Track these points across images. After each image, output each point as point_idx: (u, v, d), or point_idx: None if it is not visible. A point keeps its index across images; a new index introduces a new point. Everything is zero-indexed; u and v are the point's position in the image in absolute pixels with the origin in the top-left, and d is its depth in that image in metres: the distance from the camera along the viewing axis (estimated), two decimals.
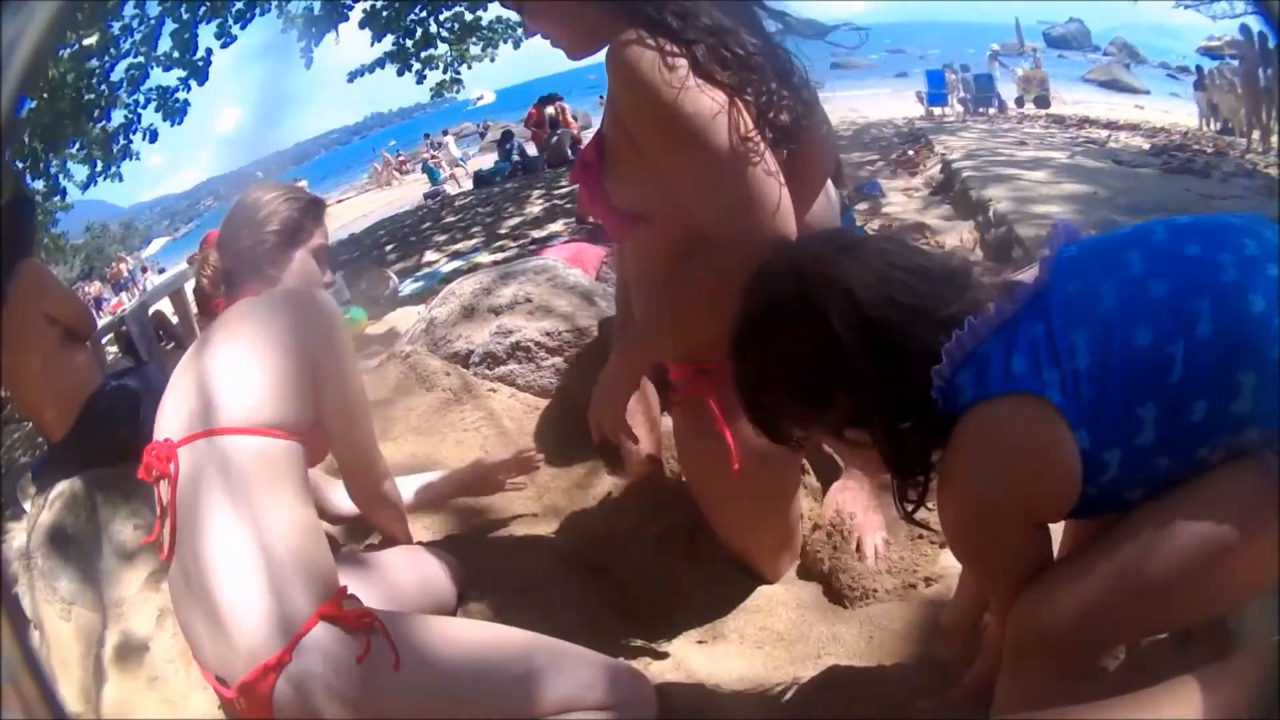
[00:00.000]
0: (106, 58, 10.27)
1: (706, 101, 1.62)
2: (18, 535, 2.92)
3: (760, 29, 1.79)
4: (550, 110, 12.19)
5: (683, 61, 1.62)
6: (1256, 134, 9.30)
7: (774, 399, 1.40)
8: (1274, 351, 1.13)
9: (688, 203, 1.70)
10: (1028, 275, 1.32)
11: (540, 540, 2.37)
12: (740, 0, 1.78)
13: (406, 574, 2.00)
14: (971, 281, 1.34)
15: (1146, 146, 7.25)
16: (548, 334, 2.97)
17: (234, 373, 1.67)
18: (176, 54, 10.37)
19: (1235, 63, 8.93)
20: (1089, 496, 1.23)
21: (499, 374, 3.01)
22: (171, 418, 1.67)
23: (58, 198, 10.68)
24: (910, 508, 1.37)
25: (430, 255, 7.07)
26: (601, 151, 1.86)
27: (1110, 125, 8.80)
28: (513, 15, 11.47)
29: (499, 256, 6.25)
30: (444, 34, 11.56)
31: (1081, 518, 1.33)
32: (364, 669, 1.47)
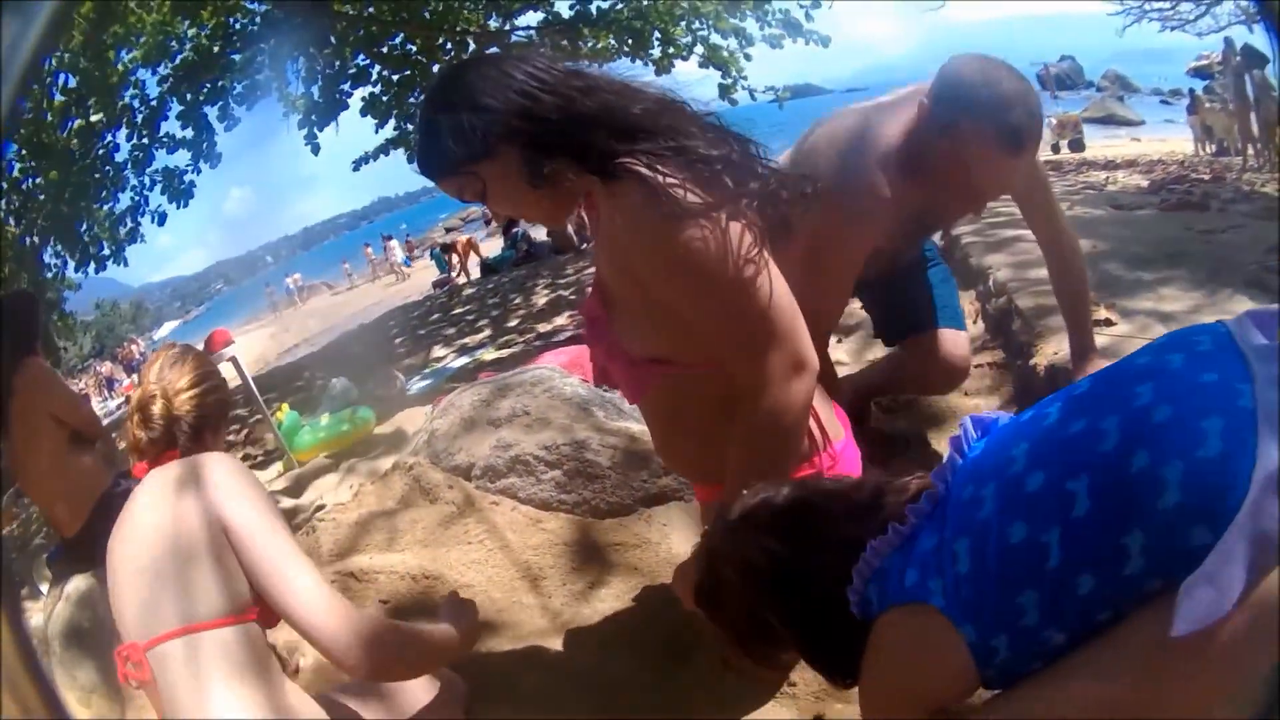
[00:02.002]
0: (111, 138, 10.36)
1: (710, 235, 1.56)
2: (35, 615, 3.01)
3: (699, 122, 1.70)
4: None
5: (678, 193, 1.55)
6: (1251, 149, 9.34)
7: (747, 643, 1.58)
8: (1161, 501, 1.12)
9: (708, 339, 1.67)
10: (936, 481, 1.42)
11: (551, 654, 2.39)
12: (677, 106, 1.69)
13: (406, 695, 1.96)
14: (883, 502, 1.48)
15: (1145, 184, 7.26)
16: (545, 448, 3.00)
17: (177, 569, 1.64)
18: (185, 135, 10.45)
19: (1222, 80, 8.98)
20: (989, 678, 1.30)
21: (500, 487, 3.05)
22: (134, 616, 1.66)
23: (69, 276, 10.73)
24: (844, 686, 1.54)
25: (438, 351, 7.11)
26: (604, 302, 1.81)
27: (1108, 165, 8.85)
28: None
29: (505, 353, 6.31)
30: None
31: (999, 686, 1.36)
32: None
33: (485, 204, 1.72)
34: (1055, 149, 9.90)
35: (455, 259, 14.22)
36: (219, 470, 1.74)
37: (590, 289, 1.87)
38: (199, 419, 1.85)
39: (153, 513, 1.70)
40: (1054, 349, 3.07)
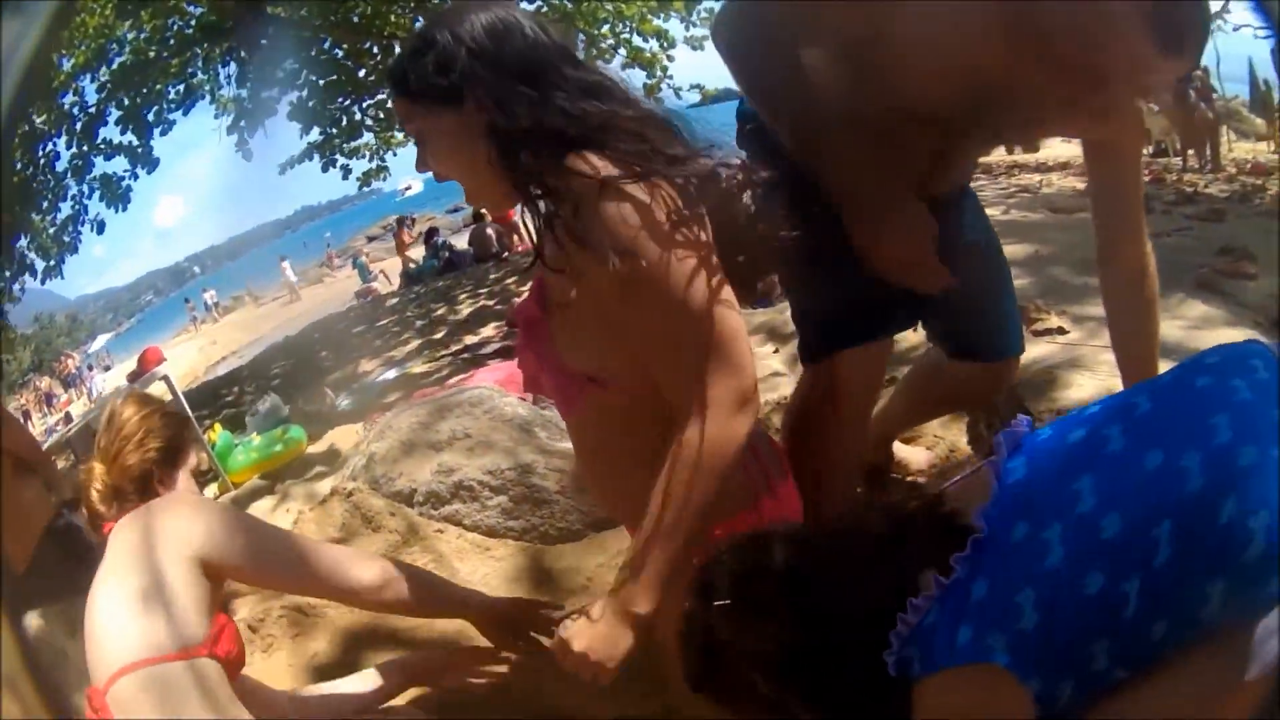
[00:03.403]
0: (52, 146, 10.26)
1: (672, 250, 1.41)
2: None
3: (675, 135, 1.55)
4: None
5: (644, 196, 1.40)
6: (1191, 151, 9.50)
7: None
8: (1247, 553, 1.11)
9: (655, 359, 1.49)
10: (973, 505, 1.30)
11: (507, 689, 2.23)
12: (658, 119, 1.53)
13: None
14: (896, 553, 1.34)
15: (1081, 186, 7.30)
16: (489, 472, 2.93)
17: (133, 609, 1.58)
18: (123, 140, 10.35)
19: None
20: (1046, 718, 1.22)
21: (444, 514, 2.97)
22: (95, 659, 1.57)
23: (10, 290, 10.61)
24: None
25: (365, 364, 6.97)
26: (543, 306, 1.64)
27: (1040, 168, 8.92)
28: None
29: (432, 366, 6.20)
30: (368, 122, 11.60)
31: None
32: None
33: (425, 151, 1.55)
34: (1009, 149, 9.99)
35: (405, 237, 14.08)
36: (174, 514, 1.71)
37: (528, 291, 1.72)
38: (144, 466, 1.82)
39: (113, 561, 1.67)
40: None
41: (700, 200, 1.47)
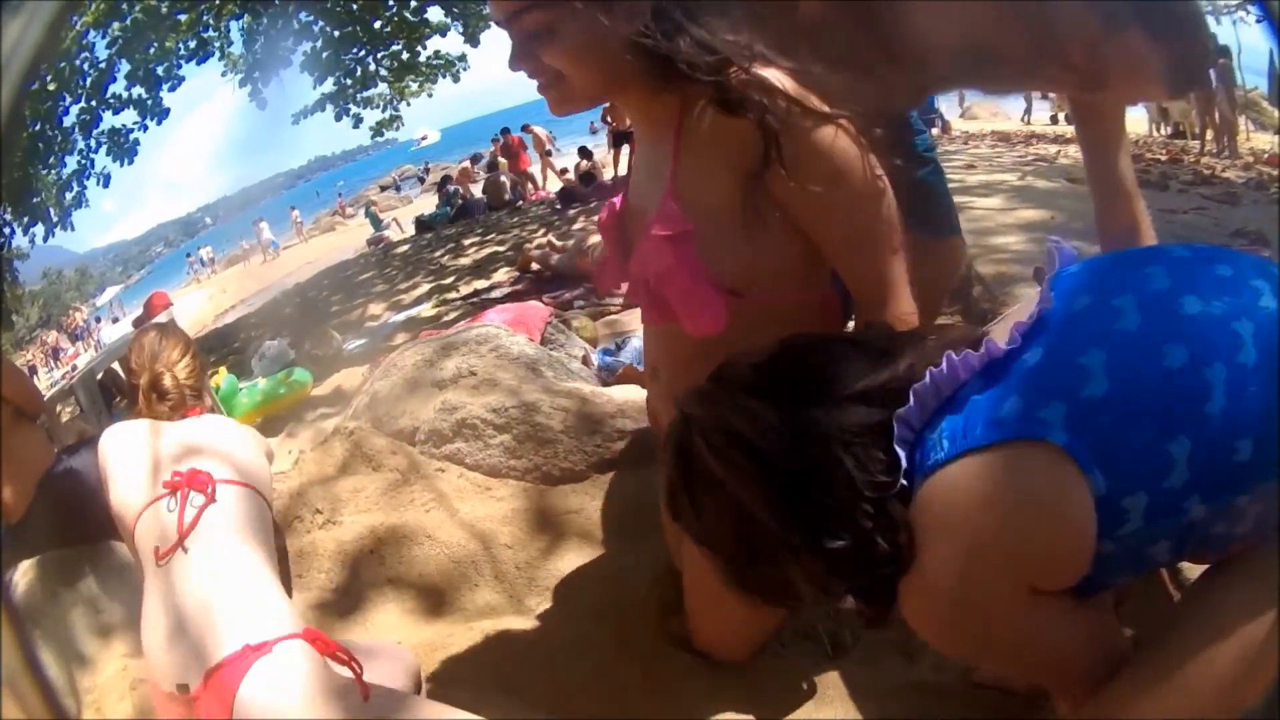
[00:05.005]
0: (60, 103, 10.33)
1: (854, 142, 1.52)
2: None
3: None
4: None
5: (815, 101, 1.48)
6: (1210, 134, 9.39)
7: (737, 564, 1.23)
8: None
9: (850, 260, 1.60)
10: (1022, 311, 1.13)
11: (508, 630, 2.25)
12: None
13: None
14: (903, 344, 1.18)
15: None
16: (494, 410, 2.87)
17: (235, 448, 2.06)
18: (131, 94, 10.41)
19: None
20: (1105, 555, 1.02)
21: (446, 452, 2.91)
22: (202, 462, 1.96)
23: (17, 245, 10.70)
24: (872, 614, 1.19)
25: (374, 308, 6.94)
26: (679, 220, 1.60)
27: (1059, 139, 8.83)
28: (451, 50, 11.60)
29: (441, 310, 6.17)
30: (382, 73, 11.59)
31: (1093, 592, 1.08)
32: (325, 691, 1.58)
33: (542, 46, 1.52)
34: (1054, 119, 9.92)
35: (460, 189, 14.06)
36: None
37: (660, 209, 1.63)
38: (198, 381, 2.25)
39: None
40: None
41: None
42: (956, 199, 4.35)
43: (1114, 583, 1.09)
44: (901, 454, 1.08)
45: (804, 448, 1.10)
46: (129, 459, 2.00)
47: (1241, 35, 8.13)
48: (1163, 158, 8.02)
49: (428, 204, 13.50)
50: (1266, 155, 8.77)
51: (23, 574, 2.63)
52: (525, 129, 12.69)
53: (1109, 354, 1.01)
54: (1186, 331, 1.00)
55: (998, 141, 7.93)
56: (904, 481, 1.08)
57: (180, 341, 2.29)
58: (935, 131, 8.31)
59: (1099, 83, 1.69)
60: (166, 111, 10.68)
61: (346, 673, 1.62)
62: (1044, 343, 1.05)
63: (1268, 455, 0.97)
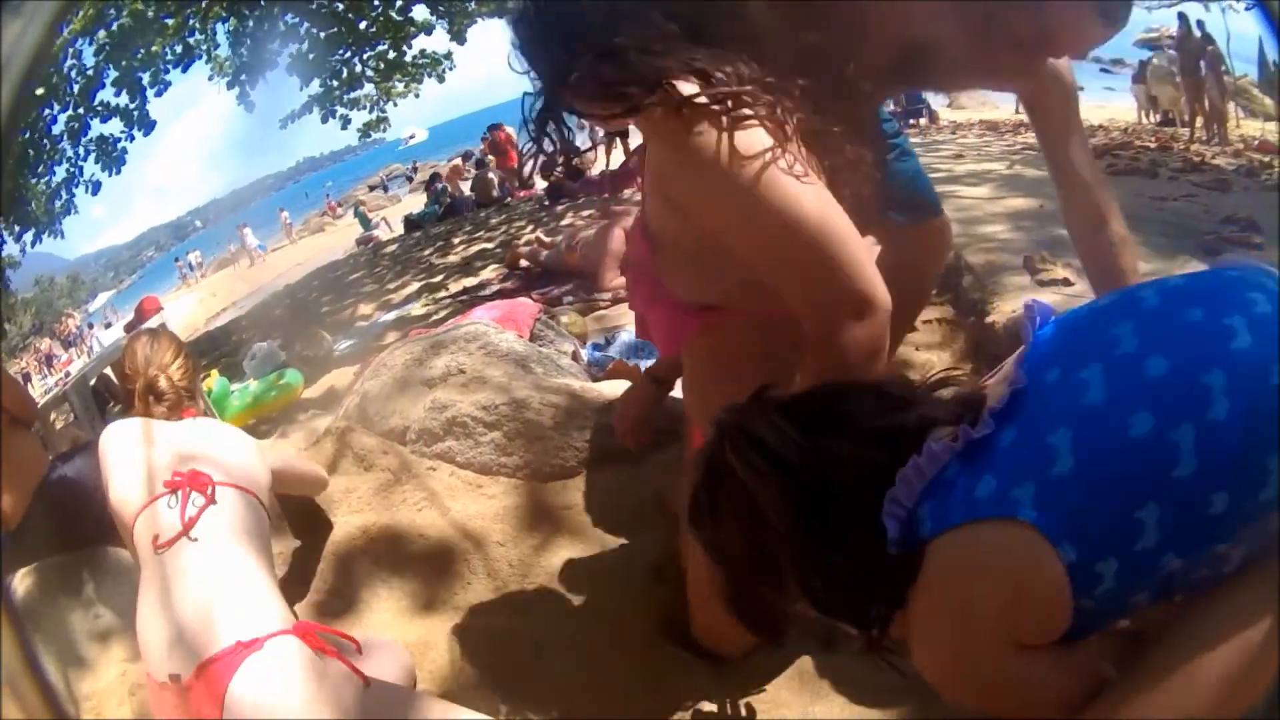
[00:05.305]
0: (49, 111, 10.31)
1: (772, 169, 1.40)
2: None
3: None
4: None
5: (752, 123, 1.42)
6: (1200, 122, 9.41)
7: (743, 583, 1.30)
8: None
9: (768, 278, 1.49)
10: (1000, 383, 1.18)
11: (503, 627, 2.27)
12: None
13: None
14: (917, 398, 1.24)
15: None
16: (484, 408, 2.86)
17: (232, 452, 2.12)
18: (118, 102, 10.40)
19: (1173, 53, 9.00)
20: (1085, 610, 1.07)
21: (437, 451, 2.91)
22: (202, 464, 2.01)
23: (8, 254, 10.69)
24: (872, 643, 1.24)
25: (364, 308, 6.93)
26: (650, 242, 1.65)
27: None
28: (437, 49, 11.60)
29: (431, 309, 6.14)
30: (369, 73, 11.58)
31: (1081, 636, 1.13)
32: (318, 683, 1.62)
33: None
34: None
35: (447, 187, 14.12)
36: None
37: (630, 229, 1.72)
38: (191, 382, 2.35)
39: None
40: (1011, 307, 2.99)
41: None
42: (945, 188, 4.36)
43: (1101, 628, 1.13)
44: (891, 527, 1.14)
45: (820, 464, 1.16)
46: (129, 458, 2.05)
47: (1231, 24, 8.16)
48: (1152, 145, 8.02)
49: (416, 203, 13.49)
50: (1257, 142, 8.79)
51: (20, 580, 2.61)
52: (494, 129, 12.62)
53: (1075, 431, 1.05)
54: (1152, 397, 1.03)
55: (986, 130, 7.90)
56: (900, 524, 1.14)
57: (172, 344, 2.37)
58: (923, 121, 8.29)
59: (1045, 45, 1.70)
60: (153, 124, 10.66)
61: (340, 665, 1.66)
62: (1016, 423, 1.10)
63: (1244, 506, 1.01)
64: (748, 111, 1.42)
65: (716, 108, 1.40)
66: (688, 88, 1.42)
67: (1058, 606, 1.06)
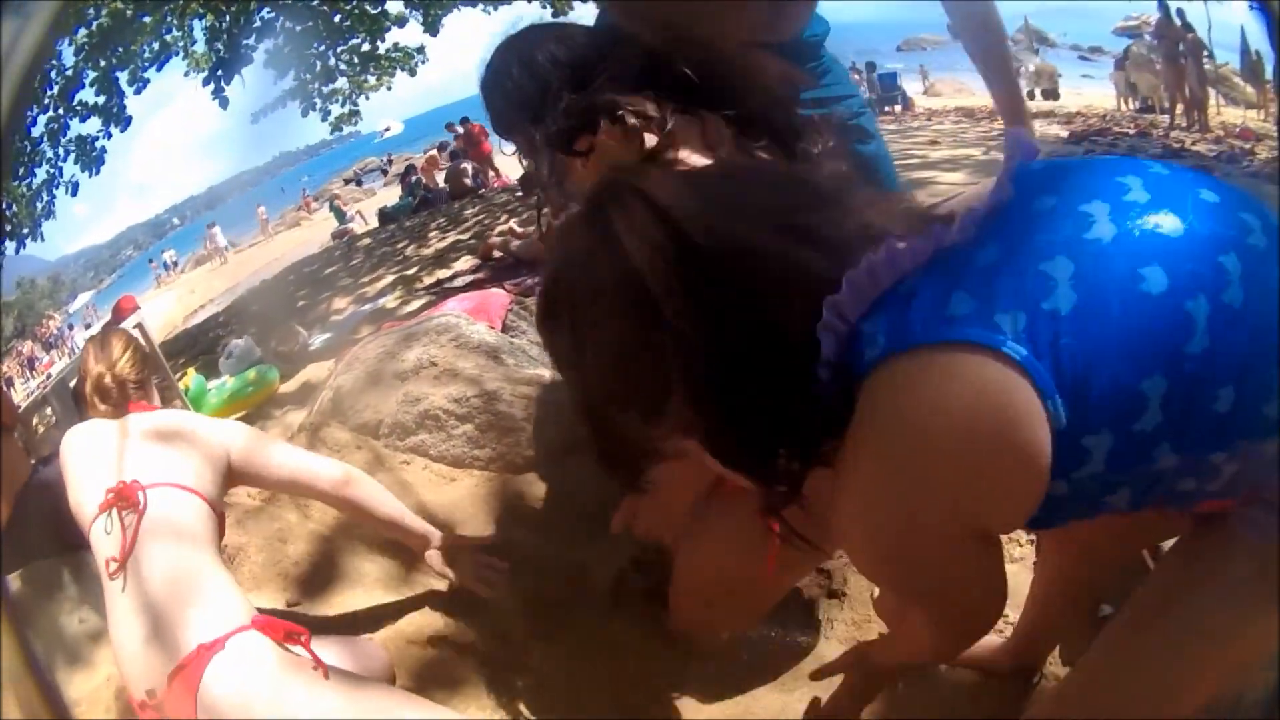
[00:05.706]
0: (29, 113, 10.26)
1: None
2: None
3: None
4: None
5: None
6: (1180, 109, 9.43)
7: (602, 401, 1.02)
8: None
9: None
10: (975, 195, 0.98)
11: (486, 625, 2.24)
12: None
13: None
14: (858, 202, 0.98)
15: (1065, 134, 7.25)
16: (455, 400, 2.85)
17: (175, 444, 2.06)
18: (96, 101, 10.39)
19: (1153, 40, 9.05)
20: (1056, 497, 0.90)
21: (410, 445, 2.90)
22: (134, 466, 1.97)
23: None
24: (779, 518, 1.02)
25: (339, 302, 6.92)
26: None
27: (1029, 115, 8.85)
28: (410, 43, 11.65)
29: (405, 301, 6.09)
30: (342, 67, 11.57)
31: (1040, 528, 0.99)
32: (283, 673, 1.61)
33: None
34: (1030, 95, 9.95)
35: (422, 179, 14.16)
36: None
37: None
38: (139, 373, 2.30)
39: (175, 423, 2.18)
40: None
41: None
42: (920, 174, 4.39)
43: (1057, 525, 0.97)
44: (827, 342, 0.91)
45: (736, 251, 0.91)
46: (79, 467, 2.05)
47: (1212, 13, 8.19)
48: (1131, 131, 8.05)
49: (391, 195, 13.52)
50: (1238, 129, 8.82)
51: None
52: (464, 123, 12.61)
53: (1077, 265, 0.85)
54: (1167, 254, 0.86)
55: (962, 117, 7.93)
56: (841, 340, 0.92)
57: (119, 339, 2.37)
58: (898, 108, 8.31)
59: None
60: (129, 119, 10.63)
61: (303, 652, 1.66)
62: (1002, 240, 0.90)
63: (1247, 414, 0.86)
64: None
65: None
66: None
67: (1033, 481, 0.88)
